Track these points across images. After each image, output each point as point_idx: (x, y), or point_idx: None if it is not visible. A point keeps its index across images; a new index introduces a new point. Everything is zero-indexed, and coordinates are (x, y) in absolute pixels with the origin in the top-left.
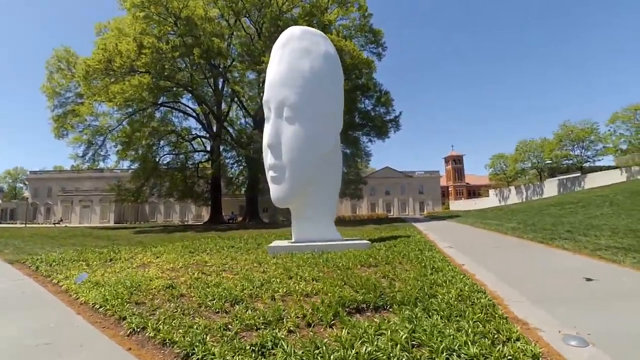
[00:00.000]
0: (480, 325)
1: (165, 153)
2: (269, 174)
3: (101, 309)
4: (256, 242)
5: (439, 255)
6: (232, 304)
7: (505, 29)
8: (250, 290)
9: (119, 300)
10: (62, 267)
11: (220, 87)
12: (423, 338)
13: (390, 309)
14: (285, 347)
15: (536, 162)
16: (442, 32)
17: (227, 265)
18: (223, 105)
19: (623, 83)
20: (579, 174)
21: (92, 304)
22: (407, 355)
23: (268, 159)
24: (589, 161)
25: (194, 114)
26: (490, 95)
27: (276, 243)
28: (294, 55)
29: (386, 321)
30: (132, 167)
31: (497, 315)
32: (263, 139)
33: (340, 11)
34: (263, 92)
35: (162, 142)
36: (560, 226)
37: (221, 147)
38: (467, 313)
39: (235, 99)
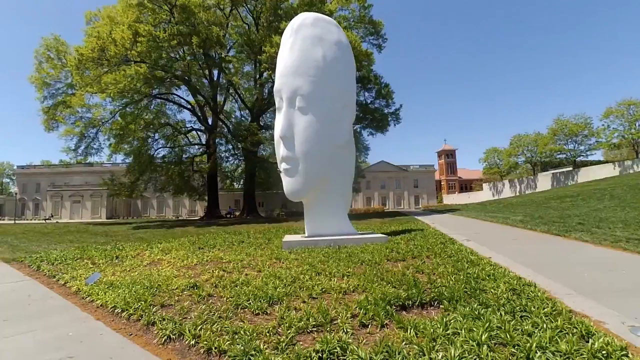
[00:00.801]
0: (553, 320)
1: (160, 146)
2: (282, 167)
3: (124, 313)
4: (265, 237)
5: (464, 249)
6: (270, 304)
7: (501, 23)
8: (283, 288)
9: (142, 302)
10: (67, 266)
11: (215, 78)
12: (502, 336)
13: (440, 306)
14: (359, 352)
15: (530, 156)
16: (435, 25)
17: (245, 262)
18: (218, 98)
19: (619, 77)
20: (570, 168)
21: (112, 307)
22: (497, 357)
23: (281, 151)
24: (582, 155)
25: (189, 107)
26: (486, 88)
27: (289, 237)
28: (306, 43)
29: (447, 319)
30: (126, 161)
31: (563, 309)
32: (275, 131)
33: (341, 1)
34: (259, 85)
35: (156, 135)
36: (569, 219)
37: (217, 141)
38: (531, 308)
39: (232, 90)
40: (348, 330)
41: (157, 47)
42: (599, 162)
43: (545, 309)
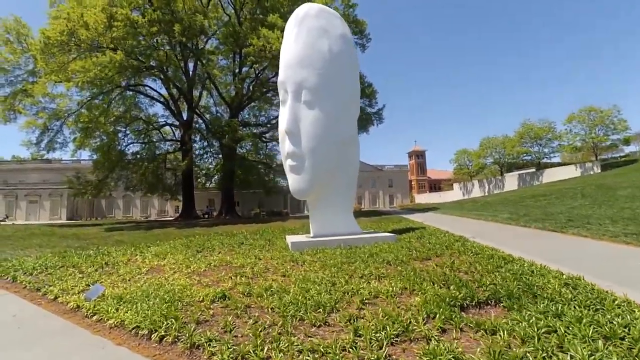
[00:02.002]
0: (630, 312)
1: (130, 142)
2: (287, 163)
3: (153, 335)
4: (264, 238)
5: (484, 246)
6: (326, 313)
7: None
8: (328, 294)
9: (173, 320)
10: (50, 276)
11: (192, 71)
12: (603, 330)
13: (498, 304)
14: None
15: (498, 157)
16: (410, 29)
17: (261, 266)
18: (194, 92)
19: (583, 85)
20: (534, 169)
21: (133, 328)
22: (617, 351)
23: (286, 146)
24: (546, 157)
25: (162, 100)
26: (456, 93)
27: (295, 238)
28: (311, 34)
29: (519, 317)
30: (92, 157)
31: (632, 301)
32: (279, 125)
33: None
34: (240, 79)
35: (127, 130)
36: (555, 216)
37: (193, 137)
38: (596, 301)
39: (211, 84)
40: (434, 336)
41: (134, 34)
42: (559, 164)
43: (616, 301)
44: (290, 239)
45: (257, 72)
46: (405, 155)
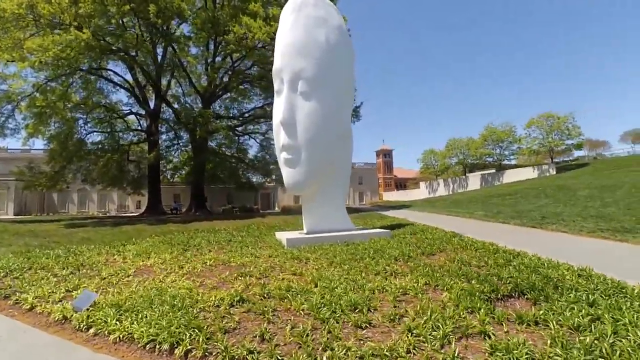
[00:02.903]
0: None
1: (91, 130)
2: (282, 156)
3: (177, 350)
4: (251, 235)
5: (485, 242)
6: (364, 313)
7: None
8: (355, 293)
9: (195, 330)
10: (18, 281)
11: (161, 56)
12: None
13: (522, 297)
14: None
15: (462, 158)
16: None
17: (261, 265)
18: (163, 80)
19: (542, 92)
20: (494, 170)
21: (147, 342)
22: None
23: (281, 138)
24: (507, 159)
25: (127, 87)
26: (423, 94)
27: (289, 235)
28: (309, 23)
29: (554, 307)
30: (48, 146)
31: None
32: (274, 116)
33: None
34: (217, 68)
35: (87, 118)
36: (528, 213)
37: (160, 127)
38: (613, 290)
39: (182, 72)
40: (490, 331)
41: (103, 12)
42: (516, 166)
43: (636, 290)
44: (284, 235)
45: (233, 62)
46: (373, 153)
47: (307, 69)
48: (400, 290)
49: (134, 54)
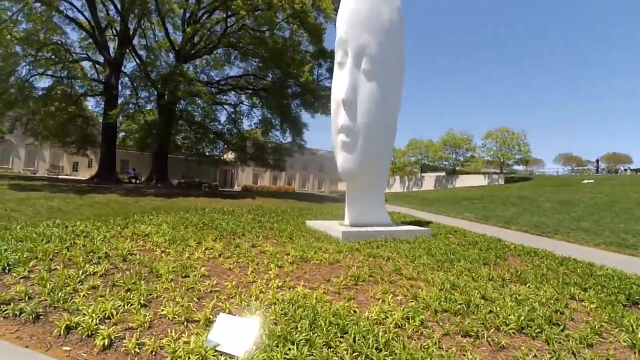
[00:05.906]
0: None
1: (40, 72)
2: (340, 138)
3: None
4: (281, 222)
5: (525, 245)
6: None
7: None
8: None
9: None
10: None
11: None
12: None
13: None
14: None
15: (421, 158)
16: None
17: (347, 263)
18: (130, 26)
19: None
20: (444, 173)
21: None
22: None
23: (340, 118)
24: (460, 165)
25: (86, 27)
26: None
27: (342, 228)
28: None
29: None
30: None
31: None
32: (334, 92)
33: None
34: (200, 24)
35: (38, 55)
36: (511, 219)
37: (122, 80)
38: None
39: (156, 18)
40: None
41: None
42: (467, 173)
43: None
44: (329, 225)
45: (217, 19)
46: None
47: (371, 46)
48: (534, 299)
49: None
